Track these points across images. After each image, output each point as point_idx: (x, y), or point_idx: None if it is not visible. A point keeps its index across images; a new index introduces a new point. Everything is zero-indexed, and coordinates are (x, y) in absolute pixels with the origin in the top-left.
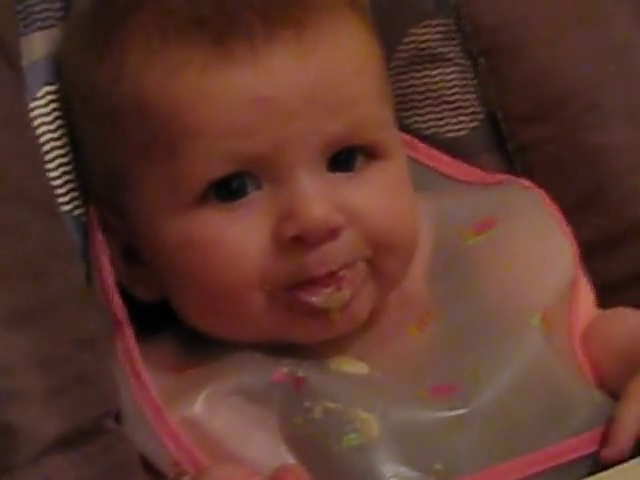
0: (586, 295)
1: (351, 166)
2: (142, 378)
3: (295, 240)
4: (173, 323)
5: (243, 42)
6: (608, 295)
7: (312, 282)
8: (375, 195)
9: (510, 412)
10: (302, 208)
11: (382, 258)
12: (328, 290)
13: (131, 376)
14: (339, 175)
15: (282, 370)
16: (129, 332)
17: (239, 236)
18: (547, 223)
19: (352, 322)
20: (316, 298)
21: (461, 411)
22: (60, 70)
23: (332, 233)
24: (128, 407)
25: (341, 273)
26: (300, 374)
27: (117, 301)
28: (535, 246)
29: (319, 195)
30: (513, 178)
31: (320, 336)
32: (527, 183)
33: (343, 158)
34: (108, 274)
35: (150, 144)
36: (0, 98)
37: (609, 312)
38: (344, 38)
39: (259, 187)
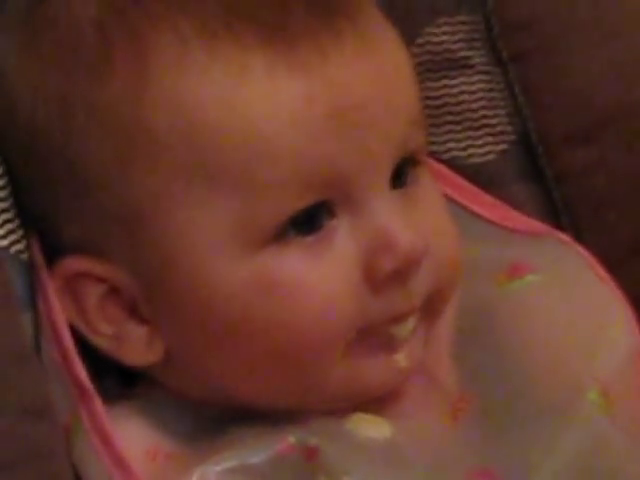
0: None
1: (404, 180)
2: (124, 460)
3: (390, 275)
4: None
5: (306, 41)
6: None
7: (395, 319)
8: (435, 216)
9: None
10: (397, 238)
11: (440, 290)
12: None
13: (107, 457)
14: (398, 192)
15: (288, 440)
16: (98, 404)
17: (329, 277)
18: (596, 286)
19: (411, 362)
20: (396, 328)
21: None
22: None
23: (420, 263)
24: None
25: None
26: (311, 443)
27: (80, 368)
28: (582, 309)
29: (403, 220)
30: (553, 230)
31: (389, 381)
32: (569, 240)
33: (398, 172)
34: (65, 333)
35: (200, 173)
36: None
37: None
38: (388, 31)
39: (333, 215)
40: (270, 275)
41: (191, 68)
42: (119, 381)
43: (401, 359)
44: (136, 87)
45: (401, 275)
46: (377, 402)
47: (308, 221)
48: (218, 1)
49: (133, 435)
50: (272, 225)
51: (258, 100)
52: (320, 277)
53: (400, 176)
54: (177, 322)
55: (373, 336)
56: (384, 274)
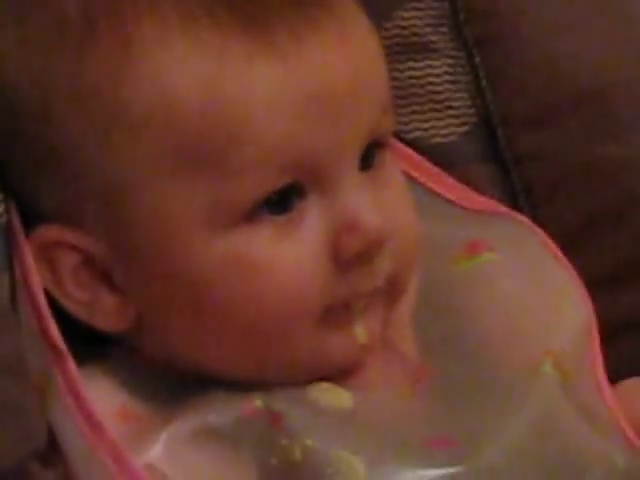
0: None
1: (370, 162)
2: (96, 419)
3: (356, 256)
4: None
5: (283, 29)
6: (607, 339)
7: (359, 297)
8: (398, 199)
9: (515, 471)
10: (364, 220)
11: (401, 271)
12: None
13: (80, 416)
14: (365, 174)
15: (254, 403)
16: (71, 365)
17: (298, 256)
18: (551, 264)
19: (371, 338)
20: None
21: (458, 468)
22: None
23: (383, 245)
24: (78, 453)
25: None
26: (275, 408)
27: (54, 329)
28: (537, 285)
29: (370, 202)
30: (510, 211)
31: (350, 356)
32: (525, 220)
33: (366, 154)
34: (40, 296)
35: (176, 153)
36: None
37: (628, 382)
38: (363, 19)
39: (304, 196)
40: (241, 253)
41: (172, 52)
42: (90, 342)
43: (360, 334)
44: (117, 68)
45: (366, 256)
46: (340, 373)
47: (280, 202)
48: None
49: (104, 396)
50: (246, 205)
51: (235, 84)
52: (289, 256)
53: (367, 158)
54: (148, 293)
55: (335, 311)
56: (350, 254)
